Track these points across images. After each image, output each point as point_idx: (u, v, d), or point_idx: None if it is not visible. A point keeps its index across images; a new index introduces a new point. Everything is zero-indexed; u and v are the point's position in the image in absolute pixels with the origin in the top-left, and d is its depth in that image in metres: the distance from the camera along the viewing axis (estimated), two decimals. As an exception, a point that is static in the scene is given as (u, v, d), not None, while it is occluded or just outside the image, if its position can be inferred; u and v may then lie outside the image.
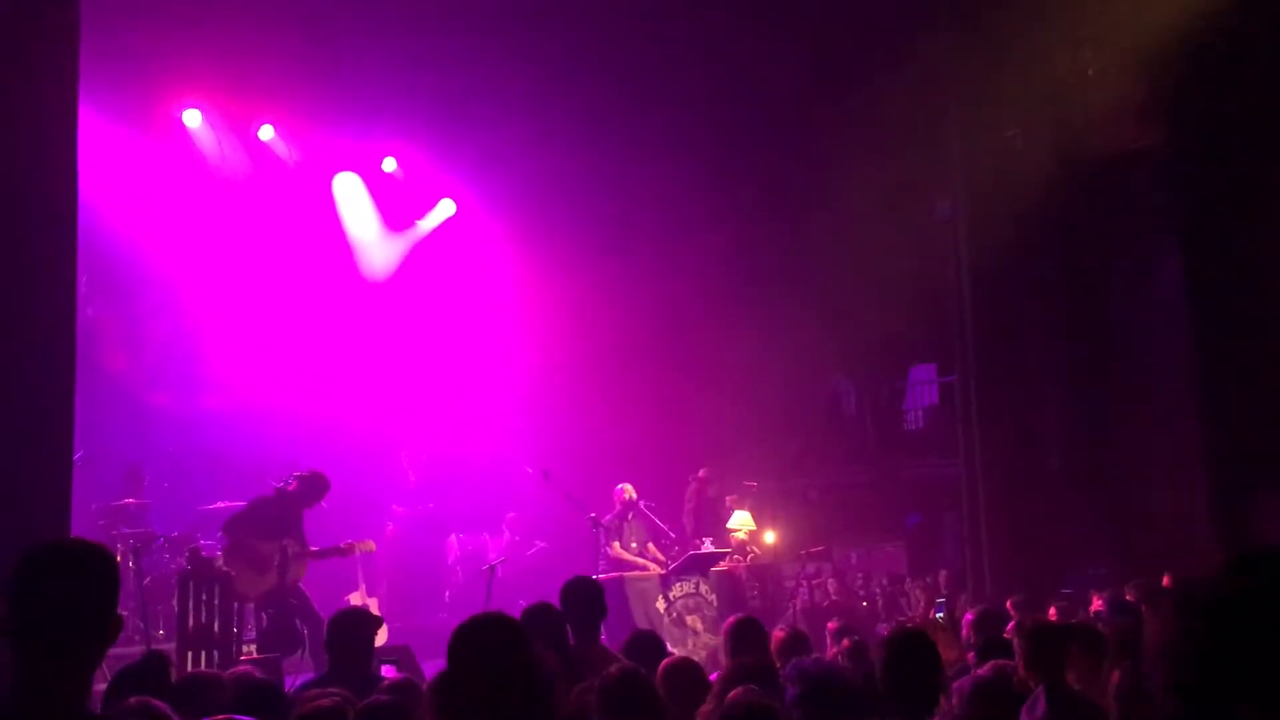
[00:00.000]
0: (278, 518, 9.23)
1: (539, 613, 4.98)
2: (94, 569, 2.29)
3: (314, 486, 9.47)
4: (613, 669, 3.91)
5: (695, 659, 5.66)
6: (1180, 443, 13.13)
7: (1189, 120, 12.90)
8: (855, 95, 13.20)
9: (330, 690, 4.15)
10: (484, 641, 2.89)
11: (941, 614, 10.47)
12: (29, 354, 7.34)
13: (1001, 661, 4.91)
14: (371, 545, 10.10)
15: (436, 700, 2.91)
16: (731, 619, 5.68)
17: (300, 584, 9.23)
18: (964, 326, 14.24)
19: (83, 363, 8.38)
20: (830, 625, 7.16)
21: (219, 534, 9.51)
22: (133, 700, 3.35)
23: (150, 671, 4.40)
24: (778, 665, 4.81)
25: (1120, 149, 13.11)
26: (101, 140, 11.96)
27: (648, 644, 5.45)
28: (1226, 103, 12.62)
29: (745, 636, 5.37)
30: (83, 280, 9.59)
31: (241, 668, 5.30)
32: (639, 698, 3.80)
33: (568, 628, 5.14)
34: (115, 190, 12.42)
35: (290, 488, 9.45)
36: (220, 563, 8.95)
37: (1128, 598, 7.94)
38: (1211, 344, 13.19)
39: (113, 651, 8.45)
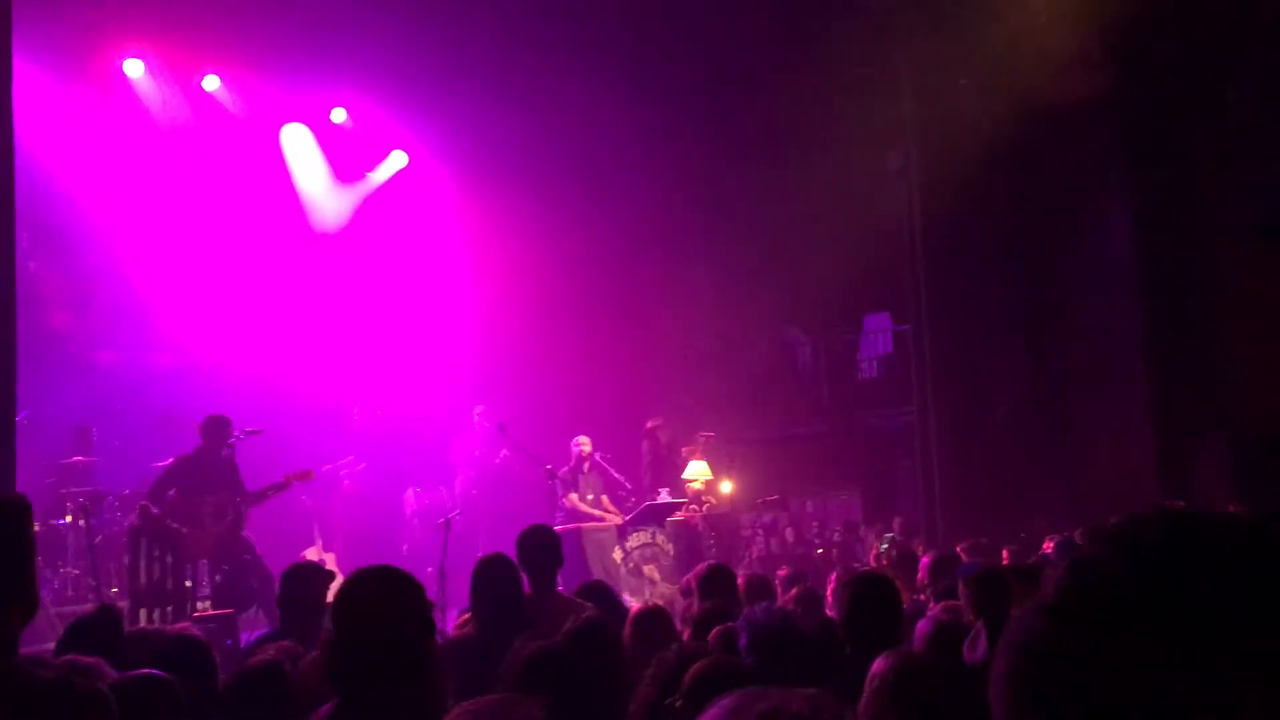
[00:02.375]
0: (202, 473, 9.13)
1: (494, 564, 4.98)
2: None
3: (214, 430, 9.34)
4: (581, 617, 3.93)
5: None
6: (1128, 391, 13.33)
7: (1140, 70, 12.98)
8: (808, 46, 13.14)
9: (277, 645, 4.13)
10: (369, 598, 2.73)
11: (885, 545, 10.64)
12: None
13: (955, 603, 4.99)
14: (311, 474, 9.97)
15: (325, 665, 2.73)
16: (702, 565, 5.74)
17: (253, 539, 9.17)
18: (917, 275, 14.34)
19: (25, 321, 8.23)
20: (780, 573, 7.21)
21: (150, 494, 9.34)
22: (61, 659, 3.30)
23: (101, 625, 4.35)
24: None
25: (1072, 99, 13.16)
26: (39, 92, 11.68)
27: (598, 593, 5.48)
28: (1177, 52, 12.70)
29: (716, 582, 5.43)
30: (23, 236, 9.43)
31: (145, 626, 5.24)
32: (605, 644, 3.83)
33: (524, 578, 5.14)
34: (55, 143, 12.14)
35: (200, 443, 9.34)
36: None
37: (1077, 541, 8.08)
38: (1159, 293, 13.37)
39: (66, 609, 8.37)
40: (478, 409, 14.14)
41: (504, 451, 13.93)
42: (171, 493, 9.03)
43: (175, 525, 8.59)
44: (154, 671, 3.20)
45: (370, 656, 2.61)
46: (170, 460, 9.50)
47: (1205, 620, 0.85)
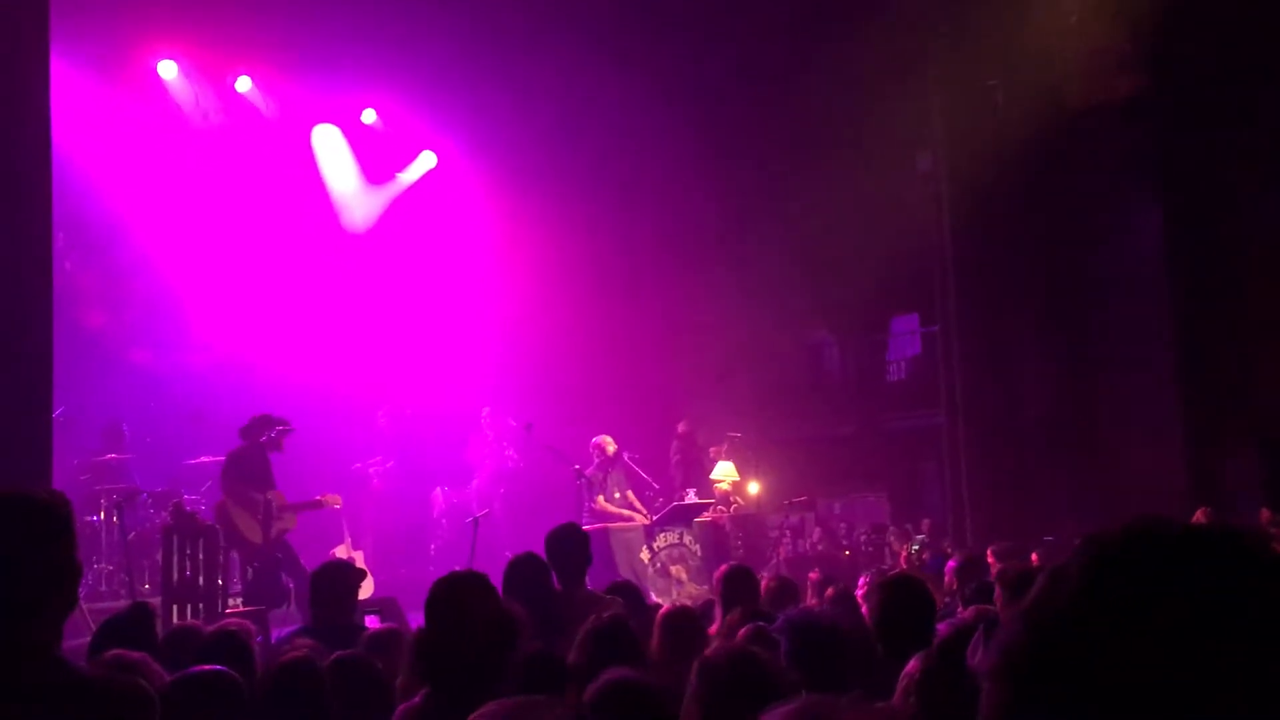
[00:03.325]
0: (257, 469, 9.22)
1: (525, 563, 5.01)
2: (36, 519, 2.21)
3: (268, 429, 9.36)
4: (604, 615, 3.95)
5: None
6: (1157, 393, 13.24)
7: (1170, 70, 12.88)
8: (837, 48, 13.12)
9: (303, 642, 4.18)
10: (460, 598, 3.00)
11: (917, 547, 10.61)
12: (6, 311, 7.29)
13: (984, 606, 4.97)
14: (337, 500, 10.05)
15: (419, 659, 2.98)
16: (724, 567, 5.74)
17: (287, 538, 9.25)
18: (945, 277, 14.28)
19: (61, 319, 8.33)
20: (812, 575, 7.23)
21: (220, 483, 9.45)
22: (109, 654, 3.35)
23: (135, 622, 4.41)
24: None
25: (1101, 99, 13.08)
26: (76, 93, 11.82)
27: (625, 594, 5.50)
28: (1207, 53, 12.60)
29: (738, 584, 5.43)
30: (59, 236, 9.54)
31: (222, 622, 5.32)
32: (623, 643, 3.84)
33: (553, 576, 5.17)
34: (91, 144, 12.27)
35: (250, 440, 9.36)
36: (215, 514, 8.98)
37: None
38: (1189, 296, 13.28)
39: (99, 605, 8.47)
40: (485, 410, 14.25)
41: (510, 452, 14.00)
42: (236, 481, 9.12)
43: (219, 521, 8.71)
44: (219, 667, 3.26)
45: (462, 654, 2.84)
46: (224, 456, 9.59)
47: (1151, 631, 0.86)
